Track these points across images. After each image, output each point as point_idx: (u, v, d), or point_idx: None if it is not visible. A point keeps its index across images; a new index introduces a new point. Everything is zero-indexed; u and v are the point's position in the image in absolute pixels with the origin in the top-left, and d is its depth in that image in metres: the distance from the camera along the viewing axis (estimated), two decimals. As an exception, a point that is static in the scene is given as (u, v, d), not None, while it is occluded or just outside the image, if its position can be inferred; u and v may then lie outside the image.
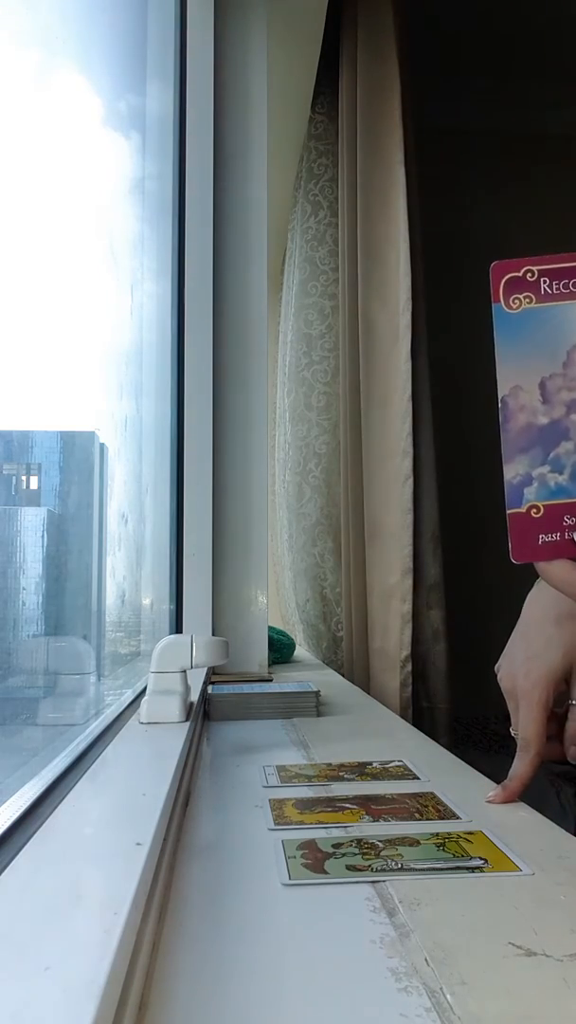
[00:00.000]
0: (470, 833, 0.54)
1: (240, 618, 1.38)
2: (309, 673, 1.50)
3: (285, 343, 2.04)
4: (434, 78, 2.03)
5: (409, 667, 1.37)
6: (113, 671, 1.22)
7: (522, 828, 0.56)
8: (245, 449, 1.41)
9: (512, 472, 0.43)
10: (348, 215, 1.55)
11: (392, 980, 0.35)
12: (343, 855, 0.50)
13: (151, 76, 1.51)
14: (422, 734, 0.92)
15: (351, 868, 0.47)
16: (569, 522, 0.42)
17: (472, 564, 1.88)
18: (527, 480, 0.43)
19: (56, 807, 0.47)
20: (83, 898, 0.35)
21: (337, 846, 0.51)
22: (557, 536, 0.42)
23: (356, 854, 0.50)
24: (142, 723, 0.75)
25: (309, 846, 0.51)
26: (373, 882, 0.46)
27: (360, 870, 0.47)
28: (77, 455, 1.00)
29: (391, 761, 0.75)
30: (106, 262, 1.17)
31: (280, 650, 1.61)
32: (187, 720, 0.75)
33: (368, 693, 1.35)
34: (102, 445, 1.08)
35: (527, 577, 0.61)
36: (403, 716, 1.25)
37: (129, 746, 0.67)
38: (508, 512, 0.43)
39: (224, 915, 0.43)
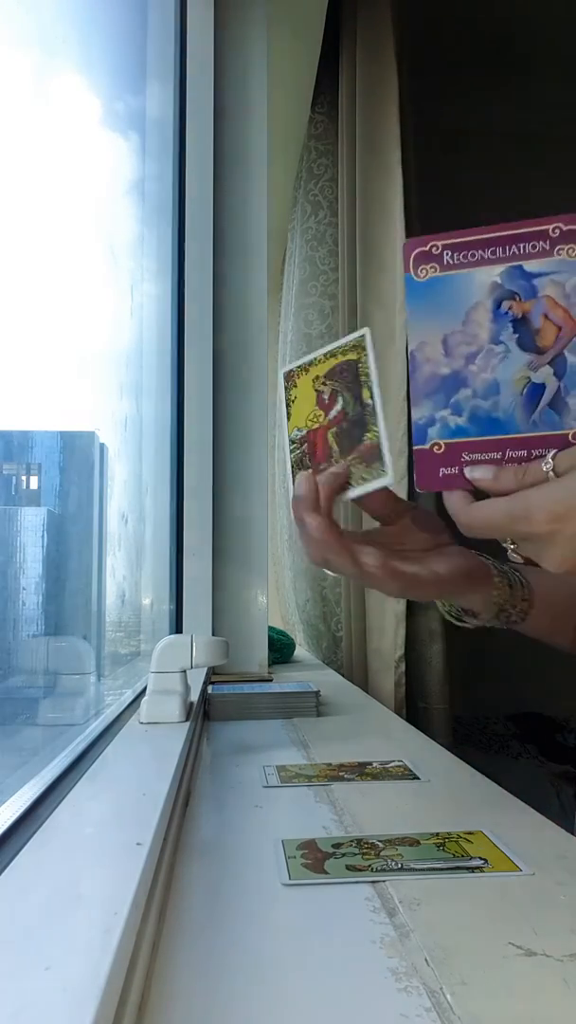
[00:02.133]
0: (470, 833, 0.54)
1: (240, 618, 1.38)
2: (309, 673, 1.50)
3: (285, 343, 2.04)
4: (434, 78, 2.03)
5: (403, 667, 1.37)
6: (113, 671, 1.22)
7: (522, 828, 0.56)
8: (245, 449, 1.41)
9: (418, 414, 0.50)
10: (347, 215, 1.55)
11: (392, 980, 0.35)
12: (343, 855, 0.50)
13: (151, 76, 1.51)
14: (422, 734, 0.92)
15: (351, 868, 0.47)
16: (466, 458, 0.49)
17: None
18: (431, 421, 0.50)
19: (56, 807, 0.47)
20: (83, 898, 0.35)
21: (337, 846, 0.51)
22: (455, 470, 0.49)
23: (356, 854, 0.50)
24: (142, 723, 0.75)
25: (309, 846, 0.51)
26: (373, 882, 0.46)
27: (360, 870, 0.47)
28: (77, 455, 1.00)
29: (391, 761, 0.75)
30: (106, 262, 1.17)
31: (280, 650, 1.61)
32: (187, 720, 0.75)
33: (367, 693, 1.35)
34: (102, 445, 1.08)
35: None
36: (398, 716, 1.26)
37: (129, 746, 0.67)
38: (414, 448, 0.50)
39: (224, 915, 0.43)
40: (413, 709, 1.42)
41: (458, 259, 0.48)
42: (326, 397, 0.56)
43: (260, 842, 0.53)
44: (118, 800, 0.52)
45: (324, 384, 0.57)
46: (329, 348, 0.57)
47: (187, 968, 0.37)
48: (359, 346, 0.55)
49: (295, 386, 0.59)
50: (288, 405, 0.59)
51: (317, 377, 0.58)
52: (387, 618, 1.38)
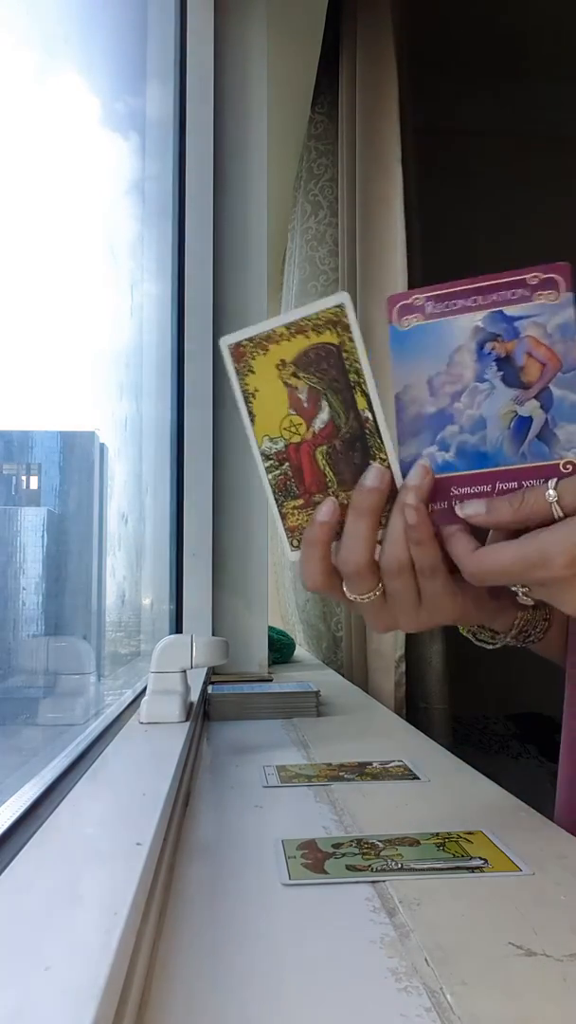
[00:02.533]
0: (470, 833, 0.54)
1: (240, 618, 1.38)
2: (309, 673, 1.50)
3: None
4: (434, 78, 2.03)
5: (403, 667, 1.37)
6: (113, 671, 1.22)
7: (522, 828, 0.56)
8: (245, 449, 1.40)
9: (406, 453, 0.49)
10: (347, 215, 1.55)
11: (392, 980, 0.35)
12: (343, 855, 0.50)
13: (151, 76, 1.51)
14: (422, 734, 0.92)
15: (351, 868, 0.47)
16: (456, 492, 0.48)
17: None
18: (417, 458, 0.49)
19: (56, 807, 0.47)
20: (83, 898, 0.35)
21: (337, 846, 0.51)
22: (444, 504, 0.49)
23: (356, 854, 0.50)
24: (142, 723, 0.75)
25: (309, 846, 0.51)
26: (373, 882, 0.46)
27: (360, 870, 0.47)
28: (77, 455, 1.00)
29: (391, 761, 0.75)
30: (105, 262, 1.17)
31: (280, 650, 1.61)
32: (187, 720, 0.75)
33: (367, 693, 1.35)
34: (102, 445, 1.08)
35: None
36: (398, 716, 1.26)
37: (129, 746, 0.67)
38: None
39: (224, 915, 0.43)
40: (413, 709, 1.42)
41: (440, 308, 0.49)
42: (304, 398, 0.49)
43: (260, 842, 0.53)
44: (118, 800, 0.52)
45: (296, 377, 0.48)
46: (293, 318, 0.48)
47: (187, 968, 0.37)
48: (337, 322, 0.48)
49: (251, 371, 0.49)
50: (247, 399, 0.49)
51: (283, 363, 0.48)
52: (387, 618, 1.38)
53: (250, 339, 0.49)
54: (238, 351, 0.49)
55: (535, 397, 0.47)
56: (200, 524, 1.36)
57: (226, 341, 0.49)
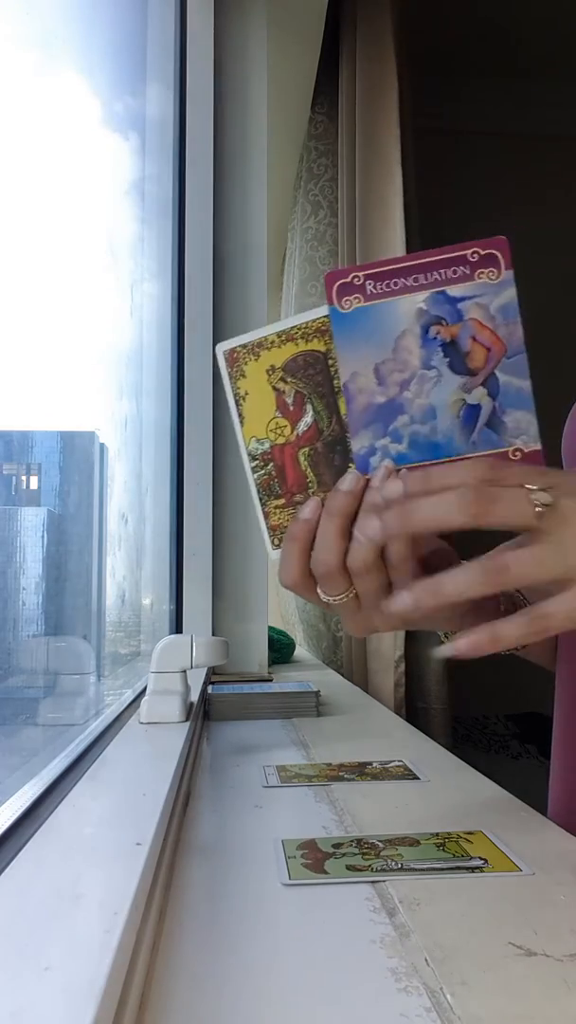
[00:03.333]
0: (470, 833, 0.54)
1: (240, 618, 1.38)
2: (309, 673, 1.50)
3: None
4: (434, 78, 2.03)
5: (403, 667, 1.37)
6: (113, 671, 1.22)
7: (522, 828, 0.56)
8: (245, 449, 1.40)
9: (358, 445, 0.49)
10: (347, 215, 1.55)
11: (392, 980, 0.35)
12: (343, 855, 0.50)
13: (151, 77, 1.51)
14: (422, 734, 0.92)
15: (351, 868, 0.47)
16: None
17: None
18: (371, 451, 0.49)
19: (56, 807, 0.47)
20: (83, 898, 0.35)
21: (337, 846, 0.51)
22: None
23: (356, 854, 0.50)
24: (142, 723, 0.75)
25: (309, 846, 0.51)
26: (373, 882, 0.46)
27: (360, 870, 0.47)
28: (77, 455, 1.00)
29: (391, 761, 0.75)
30: (105, 262, 1.17)
31: (280, 650, 1.61)
32: (187, 720, 0.75)
33: (367, 693, 1.35)
34: (102, 445, 1.08)
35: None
36: (398, 716, 1.26)
37: (129, 746, 0.67)
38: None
39: (224, 915, 0.43)
40: (413, 709, 1.42)
41: (381, 288, 0.48)
42: (290, 402, 0.50)
43: (260, 842, 0.53)
44: (118, 800, 0.52)
45: (284, 381, 0.50)
46: (284, 326, 0.50)
47: (187, 968, 0.37)
48: (325, 331, 0.49)
49: (243, 375, 0.51)
50: (238, 402, 0.51)
51: (273, 368, 0.50)
52: (387, 618, 1.38)
53: (243, 345, 0.51)
54: (232, 356, 0.51)
55: (482, 384, 0.47)
56: (200, 524, 1.36)
57: (221, 347, 0.51)
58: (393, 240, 1.41)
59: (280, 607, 2.21)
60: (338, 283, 0.48)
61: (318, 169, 1.78)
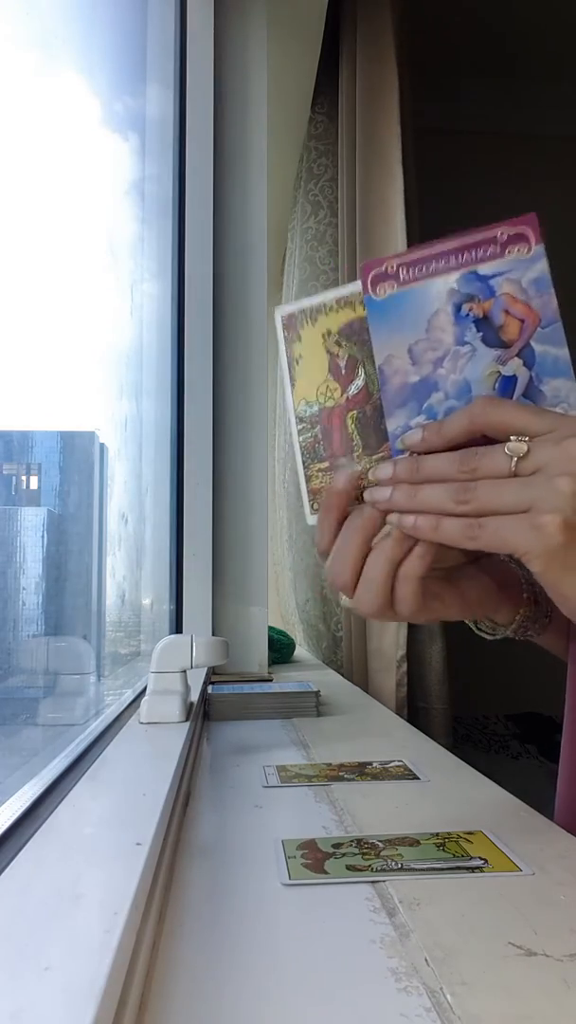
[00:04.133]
0: (470, 833, 0.54)
1: (240, 618, 1.38)
2: (309, 673, 1.50)
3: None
4: (434, 78, 2.03)
5: (405, 667, 1.37)
6: (113, 671, 1.22)
7: (522, 828, 0.56)
8: (245, 449, 1.41)
9: (394, 425, 0.49)
10: (347, 215, 1.55)
11: (392, 980, 0.35)
12: (343, 855, 0.50)
13: (151, 77, 1.51)
14: (422, 734, 0.92)
15: (351, 868, 0.47)
16: None
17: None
18: (407, 429, 0.49)
19: (56, 807, 0.47)
20: (83, 898, 0.35)
21: (337, 846, 0.51)
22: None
23: (356, 854, 0.50)
24: (142, 723, 0.75)
25: (309, 846, 0.51)
26: (373, 882, 0.46)
27: (360, 870, 0.47)
28: (77, 455, 1.00)
29: (391, 761, 0.75)
30: (105, 262, 1.17)
31: (280, 650, 1.61)
32: (187, 720, 0.75)
33: (367, 693, 1.35)
34: (102, 445, 1.08)
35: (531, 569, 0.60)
36: (399, 716, 1.26)
37: (129, 746, 0.67)
38: (394, 459, 0.48)
39: (224, 915, 0.43)
40: (413, 709, 1.42)
41: (414, 273, 0.48)
42: (343, 365, 0.51)
43: (260, 842, 0.53)
44: (118, 800, 0.52)
45: (338, 345, 0.51)
46: (341, 292, 0.50)
47: (187, 968, 0.37)
48: None
49: (299, 339, 0.51)
50: (292, 365, 0.52)
51: (328, 332, 0.51)
52: (387, 618, 1.38)
53: (302, 310, 0.51)
54: (290, 320, 0.52)
55: (517, 355, 0.47)
56: (200, 524, 1.36)
57: (280, 311, 0.52)
58: (393, 240, 1.41)
59: (280, 607, 2.21)
60: (373, 272, 0.49)
61: (318, 169, 1.78)
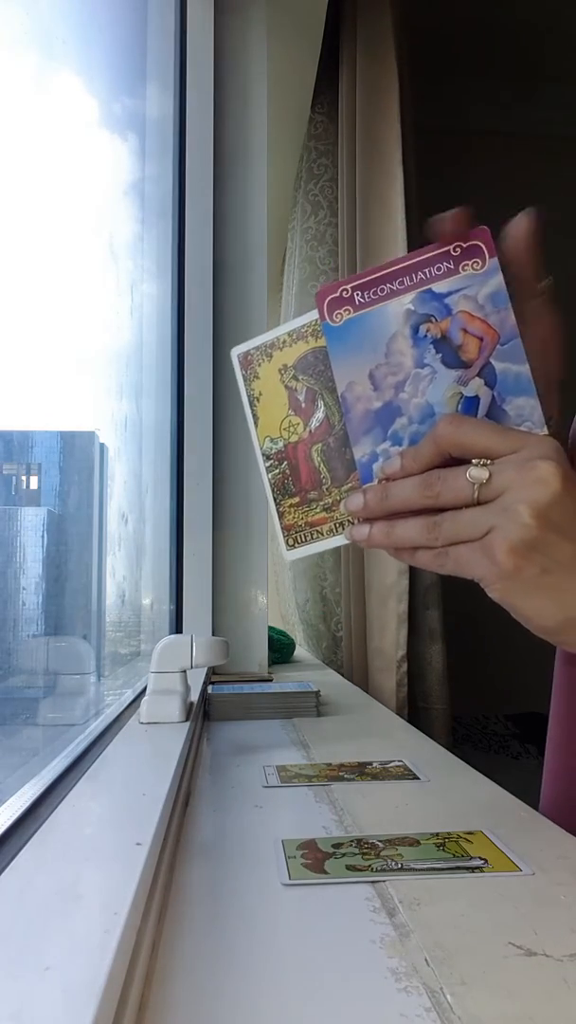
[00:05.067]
0: (470, 833, 0.54)
1: (240, 618, 1.38)
2: (309, 673, 1.50)
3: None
4: (434, 78, 2.03)
5: (405, 667, 1.37)
6: (113, 671, 1.22)
7: (522, 828, 0.56)
8: (245, 449, 1.41)
9: (360, 452, 0.49)
10: (347, 215, 1.55)
11: (392, 980, 0.35)
12: (343, 855, 0.50)
13: (151, 77, 1.51)
14: (422, 734, 0.92)
15: (351, 868, 0.47)
16: None
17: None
18: (374, 457, 0.48)
19: (56, 807, 0.47)
20: (83, 898, 0.35)
21: (337, 846, 0.51)
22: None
23: (356, 854, 0.50)
24: (142, 723, 0.75)
25: (309, 846, 0.51)
26: (373, 882, 0.46)
27: (360, 870, 0.47)
28: (77, 455, 1.00)
29: (391, 761, 0.75)
30: (105, 262, 1.17)
31: (280, 650, 1.61)
32: (187, 720, 0.75)
33: (367, 693, 1.35)
34: (102, 445, 1.08)
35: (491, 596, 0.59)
36: (399, 716, 1.26)
37: (129, 746, 0.67)
38: (363, 489, 0.48)
39: (224, 915, 0.43)
40: (413, 709, 1.42)
41: (369, 297, 0.48)
42: (301, 399, 0.51)
43: (260, 842, 0.53)
44: (118, 800, 0.52)
45: (296, 379, 0.51)
46: (294, 325, 0.51)
47: (187, 968, 0.37)
48: None
49: (256, 377, 0.52)
50: (252, 403, 0.52)
51: (285, 367, 0.51)
52: (389, 617, 1.38)
53: (257, 347, 0.51)
54: (246, 359, 0.52)
55: (478, 375, 0.46)
56: (200, 524, 1.36)
57: (236, 351, 0.52)
58: (394, 240, 1.41)
59: (280, 607, 2.21)
60: (328, 299, 0.49)
61: (318, 169, 1.78)
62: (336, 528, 0.50)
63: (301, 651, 1.86)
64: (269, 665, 1.39)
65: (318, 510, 0.51)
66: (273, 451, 0.51)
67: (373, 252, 1.45)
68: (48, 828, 0.44)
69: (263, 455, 0.52)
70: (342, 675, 1.51)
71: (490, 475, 0.43)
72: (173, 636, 0.80)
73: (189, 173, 1.41)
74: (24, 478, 0.87)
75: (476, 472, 0.43)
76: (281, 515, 0.51)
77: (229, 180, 1.45)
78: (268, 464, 0.52)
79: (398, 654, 1.37)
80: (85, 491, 1.03)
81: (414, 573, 1.38)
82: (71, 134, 1.02)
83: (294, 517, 0.51)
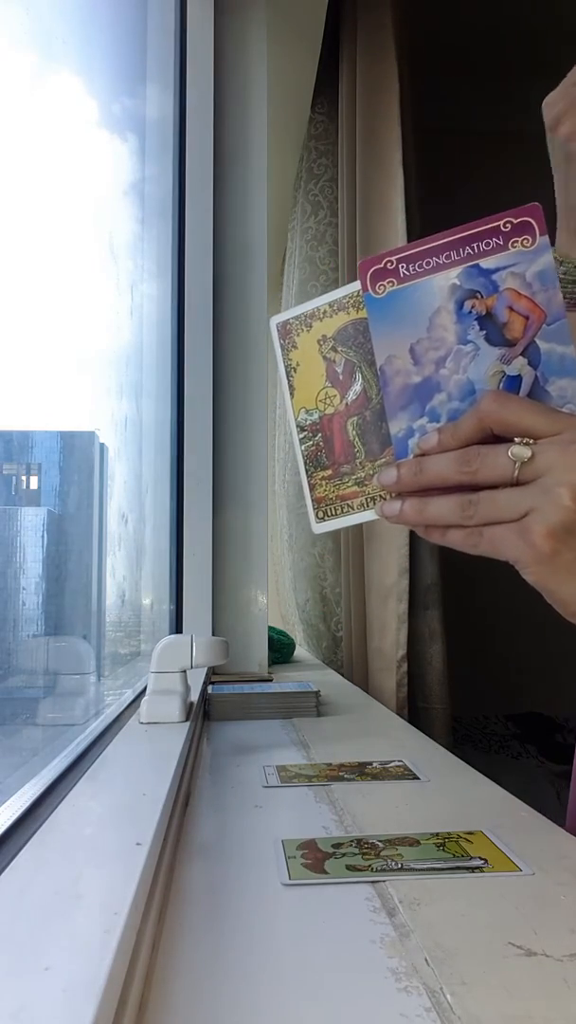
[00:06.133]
0: (470, 833, 0.54)
1: (240, 618, 1.38)
2: (309, 673, 1.50)
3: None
4: (434, 78, 2.03)
5: (405, 667, 1.37)
6: (113, 671, 1.22)
7: (522, 828, 0.56)
8: (245, 449, 1.41)
9: (396, 428, 0.48)
10: (347, 215, 1.55)
11: (392, 980, 0.35)
12: (343, 855, 0.50)
13: (151, 77, 1.51)
14: (422, 734, 0.92)
15: (351, 868, 0.47)
16: None
17: (470, 565, 1.88)
18: (410, 432, 0.48)
19: (56, 807, 0.47)
20: (83, 898, 0.35)
21: (337, 846, 0.51)
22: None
23: (356, 854, 0.50)
24: (142, 723, 0.75)
25: (309, 846, 0.51)
26: (373, 882, 0.46)
27: (360, 870, 0.47)
28: (77, 455, 1.00)
29: (391, 761, 0.75)
30: (105, 262, 1.17)
31: (280, 650, 1.61)
32: (187, 720, 0.75)
33: (367, 693, 1.35)
34: (102, 445, 1.08)
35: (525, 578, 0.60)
36: (399, 716, 1.26)
37: (129, 746, 0.67)
38: (398, 463, 0.48)
39: (224, 915, 0.43)
40: (413, 709, 1.42)
41: (414, 269, 0.47)
42: (339, 371, 0.50)
43: (260, 842, 0.53)
44: (118, 800, 0.52)
45: (335, 351, 0.50)
46: (333, 297, 0.50)
47: (187, 968, 0.37)
48: None
49: (294, 347, 0.51)
50: (289, 374, 0.51)
51: (324, 338, 0.50)
52: (389, 617, 1.38)
53: (296, 317, 0.51)
54: (285, 328, 0.51)
55: (522, 354, 0.46)
56: (200, 524, 1.36)
57: (275, 320, 0.51)
58: (393, 240, 1.41)
59: (280, 607, 2.21)
60: (372, 270, 0.48)
61: (318, 169, 1.78)
62: (367, 503, 0.49)
63: (301, 651, 1.86)
64: (269, 665, 1.39)
65: (350, 484, 0.50)
66: (308, 422, 0.51)
67: (373, 252, 1.45)
68: (48, 828, 0.44)
69: (297, 426, 0.51)
70: (342, 675, 1.51)
71: (532, 454, 0.42)
72: (173, 636, 0.80)
73: (189, 173, 1.41)
74: (24, 478, 0.87)
75: (519, 450, 0.42)
76: (312, 487, 0.51)
77: (229, 180, 1.45)
78: (302, 436, 0.51)
79: (398, 654, 1.37)
80: (85, 491, 1.03)
81: (414, 573, 1.38)
82: (71, 134, 1.01)
83: (325, 490, 0.51)
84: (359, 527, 1.47)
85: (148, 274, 1.48)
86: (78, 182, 1.04)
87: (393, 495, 0.48)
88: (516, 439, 0.43)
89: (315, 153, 1.79)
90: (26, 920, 0.32)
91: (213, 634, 1.33)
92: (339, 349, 0.50)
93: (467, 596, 1.81)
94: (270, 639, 1.44)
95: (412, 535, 1.37)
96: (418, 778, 0.69)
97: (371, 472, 0.49)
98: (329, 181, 1.74)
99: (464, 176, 2.38)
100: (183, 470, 1.36)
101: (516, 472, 0.43)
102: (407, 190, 1.42)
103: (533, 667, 2.13)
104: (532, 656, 2.14)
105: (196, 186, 1.41)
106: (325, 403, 0.51)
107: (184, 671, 0.79)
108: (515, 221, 0.46)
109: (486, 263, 0.46)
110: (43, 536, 0.87)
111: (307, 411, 0.51)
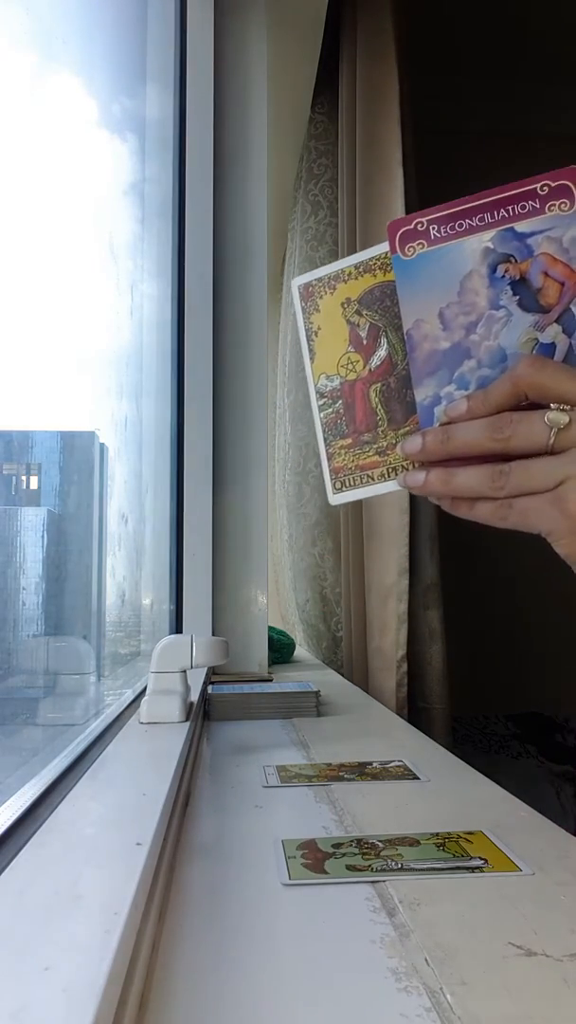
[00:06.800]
0: (470, 833, 0.54)
1: (240, 618, 1.38)
2: (309, 673, 1.50)
3: (285, 343, 2.04)
4: (434, 78, 2.03)
5: (405, 667, 1.37)
6: (113, 671, 1.22)
7: (522, 828, 0.56)
8: (245, 449, 1.41)
9: (422, 395, 0.46)
10: (347, 215, 1.55)
11: (392, 980, 0.35)
12: (343, 855, 0.50)
13: (151, 77, 1.51)
14: (422, 734, 0.92)
15: (351, 868, 0.47)
16: None
17: (470, 565, 1.88)
18: (436, 400, 0.46)
19: (56, 807, 0.47)
20: (83, 898, 0.35)
21: (337, 846, 0.51)
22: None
23: (356, 854, 0.50)
24: (142, 723, 0.75)
25: (309, 846, 0.51)
26: (373, 882, 0.46)
27: (360, 870, 0.47)
28: (77, 455, 1.00)
29: (391, 761, 0.75)
30: (105, 262, 1.17)
31: (280, 650, 1.61)
32: (187, 720, 0.75)
33: (367, 693, 1.35)
34: (102, 445, 1.08)
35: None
36: (399, 716, 1.26)
37: (129, 746, 0.67)
38: (423, 431, 0.46)
39: (224, 915, 0.43)
40: (413, 709, 1.42)
41: (445, 231, 0.45)
42: (363, 335, 0.48)
43: (260, 842, 0.53)
44: (118, 800, 0.52)
45: (359, 314, 0.48)
46: (360, 258, 0.48)
47: (187, 968, 0.37)
48: None
49: (317, 310, 0.49)
50: (310, 337, 0.49)
51: (348, 301, 0.48)
52: (389, 617, 1.38)
53: (320, 279, 0.49)
54: (307, 290, 0.50)
55: (556, 321, 0.44)
56: (200, 524, 1.36)
57: (297, 281, 0.50)
58: (393, 240, 1.41)
59: (280, 607, 2.21)
60: (401, 231, 0.46)
61: (318, 169, 1.78)
62: (388, 473, 0.47)
63: (301, 651, 1.86)
64: (269, 665, 1.39)
65: (371, 453, 0.48)
66: (328, 389, 0.49)
67: (373, 252, 1.45)
68: (48, 828, 0.44)
69: (316, 392, 0.49)
70: (342, 675, 1.51)
71: (570, 420, 0.40)
72: (173, 636, 0.80)
73: (189, 173, 1.41)
74: (24, 478, 0.87)
75: (556, 416, 0.41)
76: (330, 456, 0.49)
77: (229, 180, 1.45)
78: (321, 402, 0.49)
79: (398, 654, 1.37)
80: (85, 491, 1.03)
81: (414, 573, 1.38)
82: (71, 134, 1.01)
83: (344, 459, 0.49)
84: (359, 527, 1.47)
85: (148, 274, 1.48)
86: (78, 182, 1.04)
87: (417, 465, 0.46)
88: (552, 405, 0.41)
89: (315, 153, 1.79)
90: (26, 920, 0.32)
91: (213, 634, 1.33)
92: (364, 313, 0.48)
93: (467, 596, 1.81)
94: (270, 639, 1.44)
95: (412, 535, 1.37)
96: (418, 778, 0.69)
97: (393, 441, 0.47)
98: (329, 181, 1.74)
99: (464, 176, 2.38)
100: (183, 470, 1.36)
101: (552, 439, 0.41)
102: (407, 190, 1.42)
103: (533, 667, 2.13)
104: (532, 656, 2.14)
105: (196, 186, 1.41)
106: (347, 368, 0.49)
107: (184, 671, 0.79)
108: (552, 184, 0.44)
109: (521, 226, 0.44)
110: (43, 536, 0.87)
111: (327, 376, 0.49)
